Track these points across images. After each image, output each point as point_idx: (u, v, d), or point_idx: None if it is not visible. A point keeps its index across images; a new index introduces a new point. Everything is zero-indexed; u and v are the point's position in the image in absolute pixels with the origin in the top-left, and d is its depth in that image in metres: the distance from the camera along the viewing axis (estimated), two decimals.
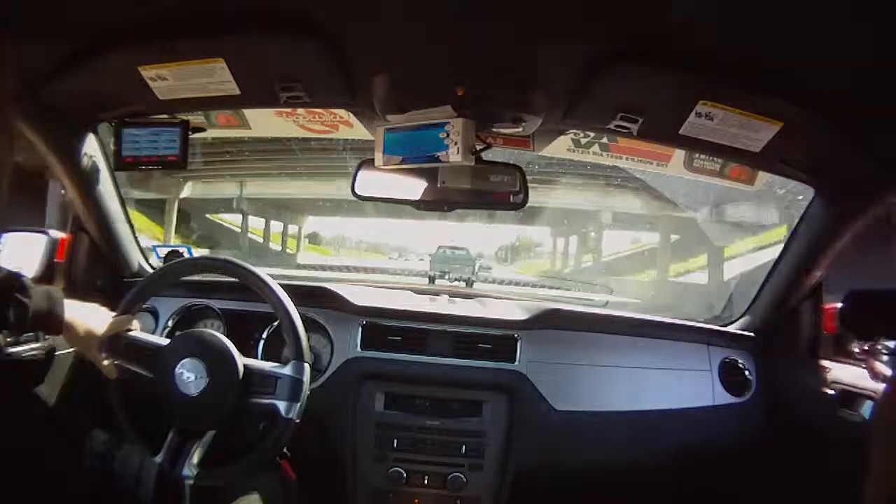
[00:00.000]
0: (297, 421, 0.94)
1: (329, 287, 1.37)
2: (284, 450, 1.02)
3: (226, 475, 0.96)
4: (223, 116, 1.44)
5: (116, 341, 0.95)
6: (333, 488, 1.29)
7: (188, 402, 0.91)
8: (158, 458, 0.92)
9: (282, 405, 0.93)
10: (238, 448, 0.96)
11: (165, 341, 0.96)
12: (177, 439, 0.93)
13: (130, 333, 0.97)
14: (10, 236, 1.20)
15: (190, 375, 0.90)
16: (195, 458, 0.91)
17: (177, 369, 0.91)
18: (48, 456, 0.41)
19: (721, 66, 0.85)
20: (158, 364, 0.93)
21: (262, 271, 1.03)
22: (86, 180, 1.22)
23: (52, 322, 0.88)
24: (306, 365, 0.96)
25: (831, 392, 1.20)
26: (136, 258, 1.41)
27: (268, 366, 0.95)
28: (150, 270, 1.42)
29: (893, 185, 1.03)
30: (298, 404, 0.94)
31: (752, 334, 1.39)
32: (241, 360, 0.93)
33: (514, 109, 1.06)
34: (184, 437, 0.93)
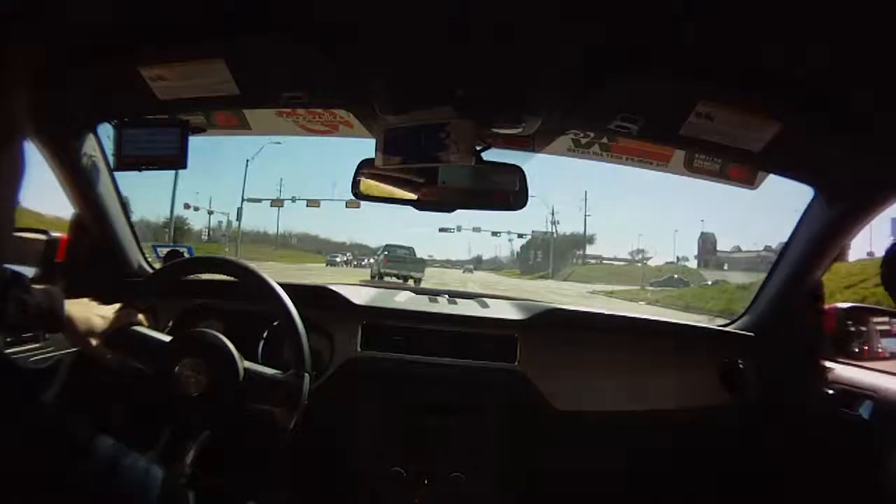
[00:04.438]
0: (294, 428, 0.94)
1: (330, 287, 1.37)
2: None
3: (221, 477, 0.96)
4: (222, 116, 1.44)
5: (119, 335, 0.95)
6: (334, 488, 1.29)
7: (186, 402, 0.91)
8: (152, 457, 0.91)
9: (279, 412, 0.92)
10: (234, 450, 0.95)
11: (167, 338, 0.96)
12: (172, 438, 0.92)
13: (133, 328, 0.97)
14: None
15: (190, 375, 0.90)
16: (190, 459, 0.91)
17: (177, 368, 0.91)
18: (50, 461, 0.41)
19: (721, 67, 0.85)
20: (158, 362, 0.93)
21: (264, 272, 1.02)
22: (86, 180, 1.22)
23: (52, 319, 0.87)
24: (306, 374, 0.95)
25: (831, 392, 1.20)
26: (135, 258, 1.41)
27: (268, 371, 0.95)
28: (150, 270, 1.42)
29: (893, 185, 1.04)
30: (296, 412, 0.93)
31: (752, 334, 1.39)
32: (241, 363, 0.93)
33: (514, 110, 1.06)
34: (180, 436, 0.92)
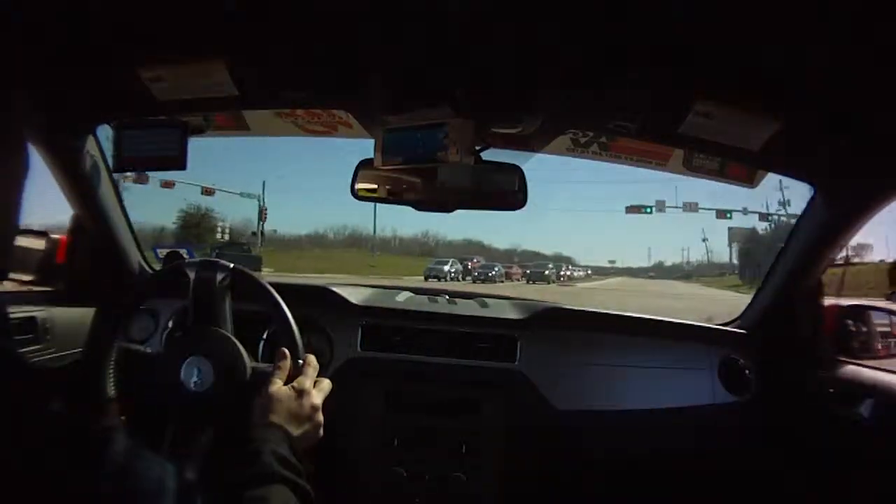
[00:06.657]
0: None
1: (329, 287, 1.37)
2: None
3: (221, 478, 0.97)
4: (222, 117, 1.44)
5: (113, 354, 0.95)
6: (333, 488, 1.29)
7: (194, 399, 0.91)
8: (163, 457, 0.92)
9: None
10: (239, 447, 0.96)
11: (161, 348, 0.97)
12: (179, 435, 0.93)
13: (125, 345, 0.98)
14: None
15: (197, 372, 0.90)
16: (197, 456, 0.91)
17: (183, 367, 0.91)
18: (60, 463, 0.41)
19: (720, 65, 0.85)
20: (160, 365, 0.93)
21: (259, 276, 1.03)
22: (85, 181, 1.22)
23: None
24: (307, 357, 0.96)
25: (831, 391, 1.20)
26: (135, 258, 1.41)
27: (270, 368, 0.95)
28: (150, 271, 1.42)
29: (893, 185, 1.04)
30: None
31: (752, 334, 1.39)
32: (248, 360, 0.94)
33: (514, 110, 1.06)
34: (187, 434, 0.93)
